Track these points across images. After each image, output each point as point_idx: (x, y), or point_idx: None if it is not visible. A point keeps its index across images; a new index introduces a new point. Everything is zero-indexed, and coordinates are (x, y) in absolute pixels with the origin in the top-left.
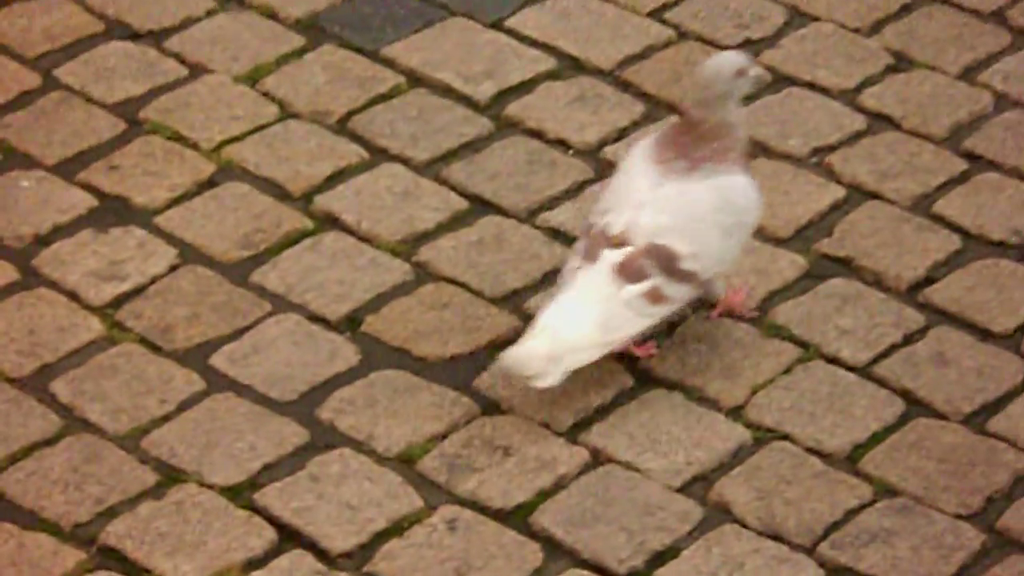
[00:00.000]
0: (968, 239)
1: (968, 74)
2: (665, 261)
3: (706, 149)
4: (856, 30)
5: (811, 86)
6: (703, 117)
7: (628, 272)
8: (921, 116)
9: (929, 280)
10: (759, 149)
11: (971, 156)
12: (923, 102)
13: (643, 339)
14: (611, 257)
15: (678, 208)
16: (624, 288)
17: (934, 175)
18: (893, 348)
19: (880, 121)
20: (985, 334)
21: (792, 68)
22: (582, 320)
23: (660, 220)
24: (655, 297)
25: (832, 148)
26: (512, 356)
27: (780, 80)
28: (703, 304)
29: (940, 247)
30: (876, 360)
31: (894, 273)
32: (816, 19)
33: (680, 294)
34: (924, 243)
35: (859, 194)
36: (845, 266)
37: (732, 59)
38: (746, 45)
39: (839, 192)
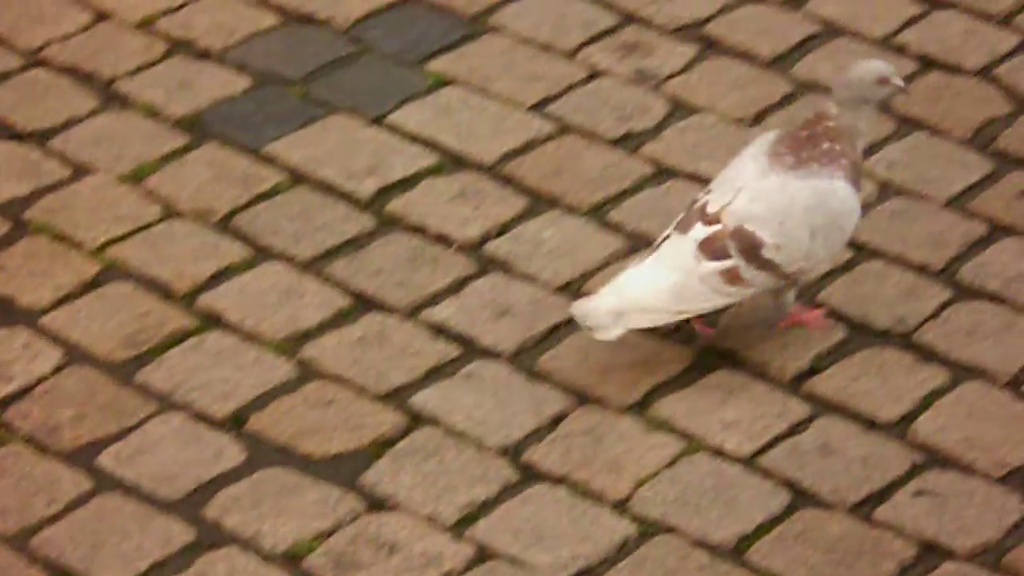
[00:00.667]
0: (853, 329)
1: None
2: (748, 246)
3: (818, 150)
4: (739, 120)
5: (693, 178)
6: (834, 116)
7: (710, 249)
8: None
9: (814, 371)
10: (639, 241)
11: (856, 244)
12: None
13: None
14: (700, 232)
15: (772, 200)
16: (703, 263)
17: None
18: (778, 439)
19: None
20: (870, 423)
21: (674, 160)
22: (657, 284)
23: (753, 208)
24: (732, 278)
25: None
26: (579, 307)
27: (663, 172)
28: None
29: (824, 337)
30: (761, 451)
31: (778, 364)
32: (698, 111)
33: (758, 280)
34: (808, 333)
35: None
36: (729, 358)
37: (878, 66)
38: (628, 138)
39: None
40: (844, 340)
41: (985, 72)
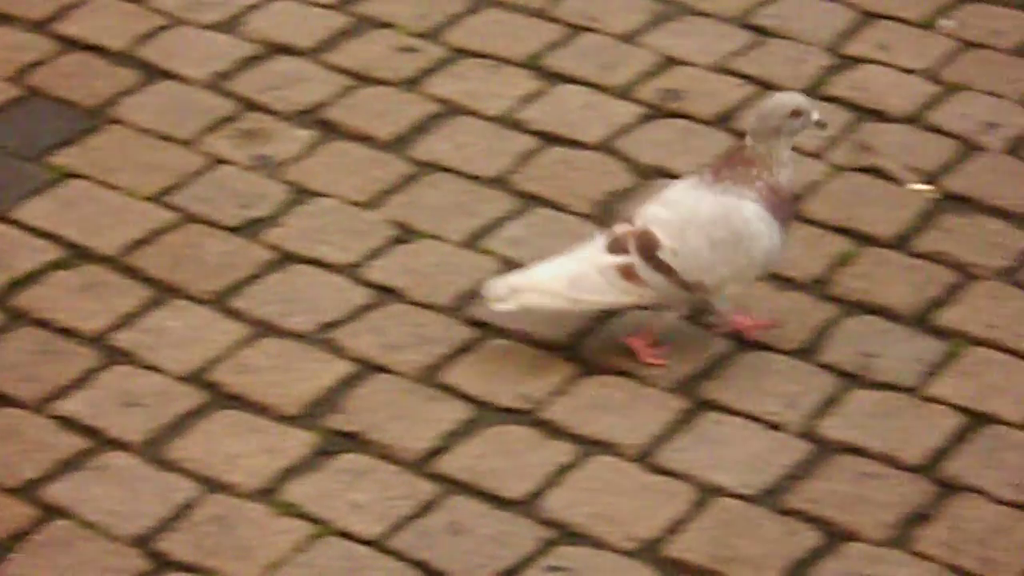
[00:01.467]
0: (478, 406)
1: (473, 241)
2: (645, 245)
3: (736, 171)
4: (358, 204)
5: (315, 262)
6: (751, 145)
7: (614, 245)
8: (427, 286)
9: (441, 450)
10: (262, 327)
11: (478, 323)
12: (428, 272)
13: (654, 345)
14: (612, 232)
15: (680, 209)
16: (601, 255)
17: (441, 344)
18: (407, 519)
19: (385, 293)
20: (499, 501)
21: (295, 245)
22: (557, 270)
23: (660, 213)
24: (627, 274)
25: (337, 324)
26: (488, 283)
27: (284, 258)
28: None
29: (450, 416)
30: (391, 532)
31: (404, 444)
32: (318, 195)
33: (655, 281)
34: (434, 413)
35: (366, 368)
36: (356, 441)
37: (793, 99)
38: (250, 225)
39: (346, 367)
40: (470, 418)
41: (605, 145)
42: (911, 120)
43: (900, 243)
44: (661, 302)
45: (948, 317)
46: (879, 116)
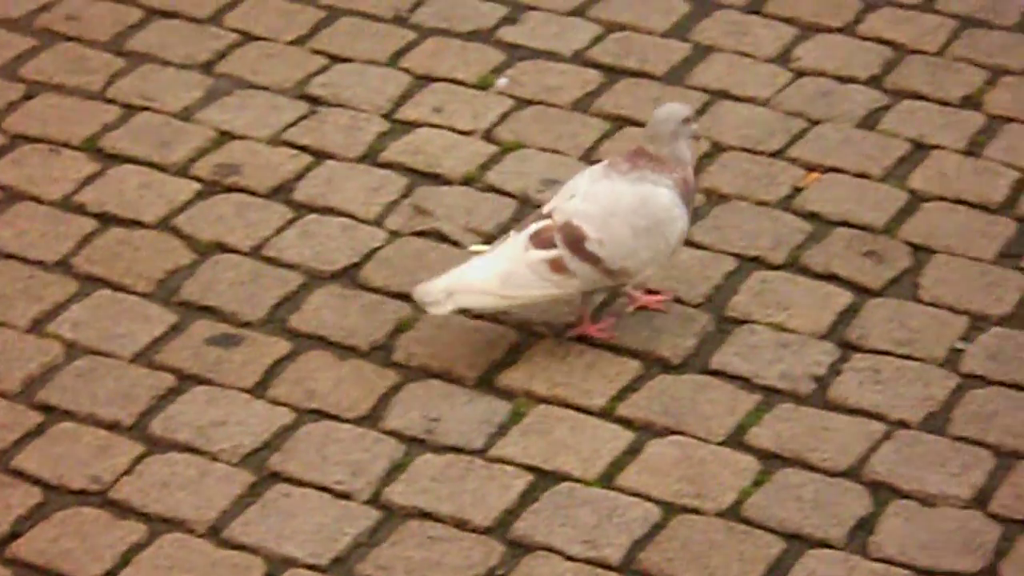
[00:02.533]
0: (49, 490)
1: (36, 326)
2: (573, 239)
3: (650, 162)
4: None
5: None
6: (655, 149)
7: (539, 240)
8: None
9: (14, 535)
10: None
11: (46, 407)
12: None
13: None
14: (533, 228)
15: (600, 200)
16: (530, 251)
17: (10, 430)
18: None
19: None
20: None
21: None
22: (487, 270)
23: (581, 206)
24: (557, 267)
25: None
26: (419, 288)
27: None
28: None
29: (22, 501)
30: None
31: None
32: None
33: (583, 272)
34: (5, 498)
35: None
36: None
37: (683, 108)
38: None
39: None
40: (41, 502)
41: (164, 223)
42: (468, 182)
43: None
44: (585, 290)
45: (511, 377)
46: (436, 179)
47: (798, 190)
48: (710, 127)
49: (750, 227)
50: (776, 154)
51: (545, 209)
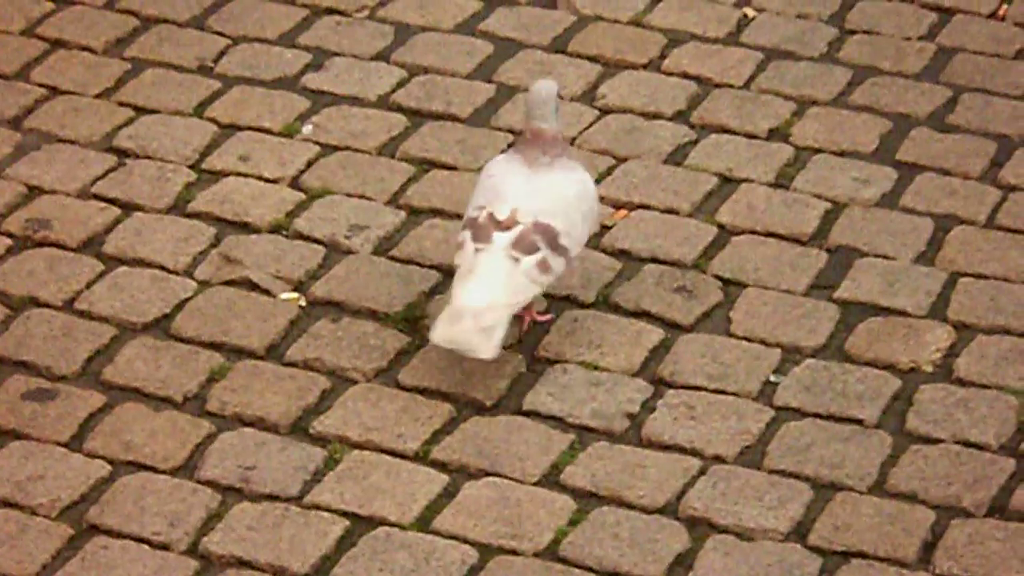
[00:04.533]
0: None
1: None
2: (550, 237)
3: (556, 149)
4: None
5: None
6: (545, 127)
7: (523, 246)
8: None
9: None
10: None
11: None
12: None
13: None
14: (504, 238)
15: (551, 194)
16: (524, 259)
17: None
18: None
19: None
20: None
21: None
22: (492, 288)
23: (540, 204)
24: (544, 267)
25: None
26: (446, 339)
27: None
28: None
29: None
30: None
31: None
32: None
33: (557, 266)
34: None
35: None
36: None
37: (553, 83)
38: None
39: None
40: None
41: None
42: (276, 229)
43: (272, 354)
44: (553, 282)
45: (325, 423)
46: (245, 228)
47: (607, 228)
48: None
49: None
50: None
51: (499, 215)
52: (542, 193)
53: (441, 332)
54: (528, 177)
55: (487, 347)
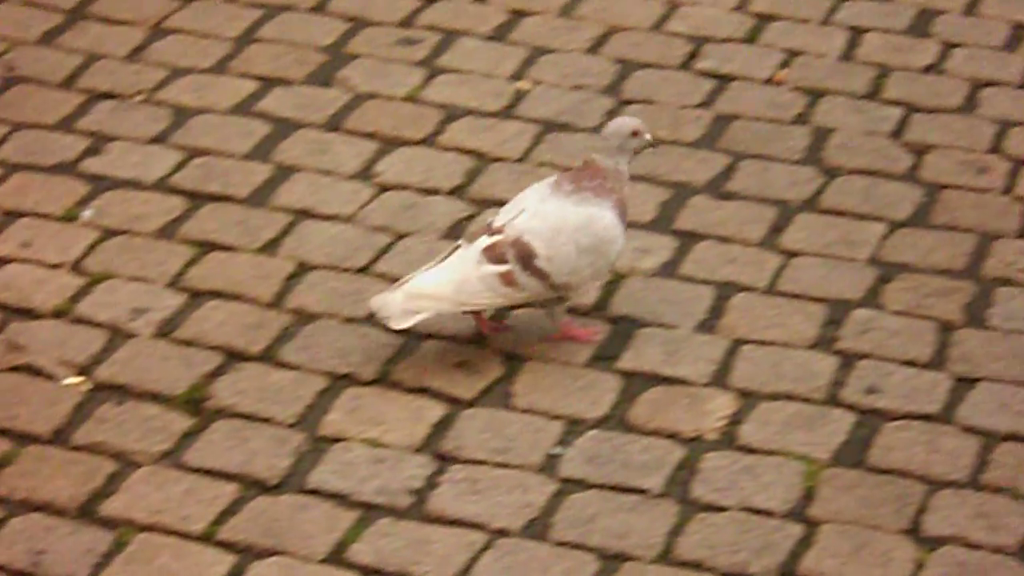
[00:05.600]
0: None
1: None
2: (523, 254)
3: (594, 183)
4: None
5: None
6: (598, 160)
7: (491, 254)
8: None
9: None
10: None
11: None
12: None
13: (498, 320)
14: (484, 241)
15: (548, 219)
16: (484, 266)
17: None
18: None
19: None
20: None
21: None
22: (441, 280)
23: (531, 223)
24: (508, 280)
25: None
26: (376, 301)
27: None
28: None
29: None
30: None
31: None
32: None
33: (531, 285)
34: None
35: None
36: None
37: (632, 121)
38: None
39: None
40: None
41: None
42: (59, 314)
43: (58, 438)
44: (530, 301)
45: (113, 506)
46: (27, 314)
47: None
48: (296, 247)
49: (340, 344)
50: (362, 270)
51: (497, 223)
52: (542, 216)
53: (378, 297)
54: (544, 199)
55: (397, 322)
